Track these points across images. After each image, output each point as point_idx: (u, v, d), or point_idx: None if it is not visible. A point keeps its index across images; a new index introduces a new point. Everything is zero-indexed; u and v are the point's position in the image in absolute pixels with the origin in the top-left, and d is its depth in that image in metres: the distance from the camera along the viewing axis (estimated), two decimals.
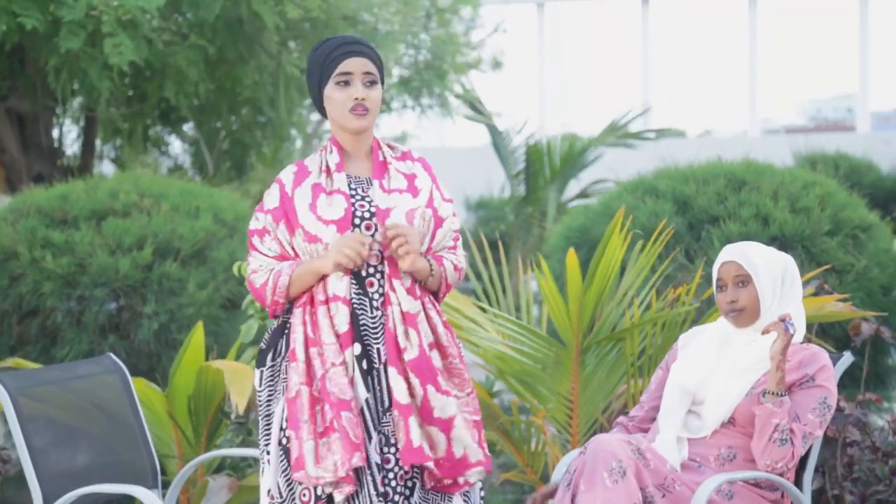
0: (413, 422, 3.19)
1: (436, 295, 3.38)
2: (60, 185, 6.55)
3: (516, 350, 4.61)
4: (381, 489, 3.18)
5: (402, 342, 3.22)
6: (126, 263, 5.79)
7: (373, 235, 3.26)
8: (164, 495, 4.15)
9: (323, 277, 3.24)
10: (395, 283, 3.23)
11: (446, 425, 3.23)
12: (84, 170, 10.32)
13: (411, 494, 3.25)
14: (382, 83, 3.36)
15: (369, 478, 3.18)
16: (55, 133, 10.91)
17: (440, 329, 3.30)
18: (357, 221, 3.25)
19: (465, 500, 3.34)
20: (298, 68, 10.02)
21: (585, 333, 4.48)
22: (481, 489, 3.43)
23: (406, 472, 3.24)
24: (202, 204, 6.23)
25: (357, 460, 3.12)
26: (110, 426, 4.08)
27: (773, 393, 3.48)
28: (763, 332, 3.53)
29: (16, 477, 5.15)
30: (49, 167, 10.15)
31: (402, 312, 3.22)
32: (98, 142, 11.99)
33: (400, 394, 3.20)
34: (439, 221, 3.35)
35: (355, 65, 3.29)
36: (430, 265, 3.30)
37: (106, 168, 13.14)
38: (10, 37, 8.19)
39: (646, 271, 4.59)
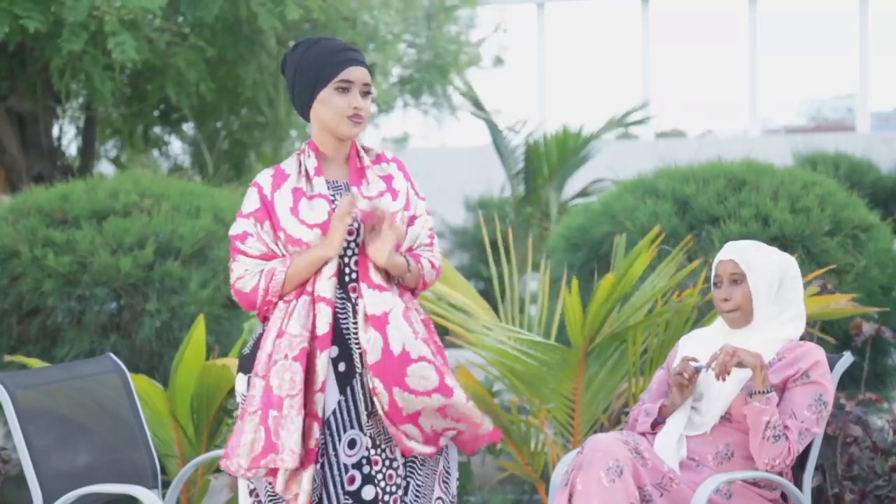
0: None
1: (413, 292, 3.38)
2: (61, 185, 6.55)
3: (521, 352, 4.61)
4: (349, 487, 3.19)
5: (363, 344, 3.22)
6: (127, 263, 5.80)
7: (356, 240, 3.28)
8: (164, 495, 4.15)
9: (321, 268, 3.24)
10: (363, 286, 3.23)
11: (412, 419, 3.22)
12: (84, 170, 10.32)
13: (405, 494, 3.27)
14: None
15: (332, 479, 3.19)
16: (55, 133, 10.91)
17: (418, 326, 3.29)
18: None
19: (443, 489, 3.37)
20: None
21: (594, 337, 4.48)
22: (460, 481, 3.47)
23: (399, 471, 3.26)
24: (202, 204, 6.23)
25: (267, 462, 3.14)
26: (110, 426, 4.08)
27: (759, 392, 3.49)
28: (719, 376, 3.53)
29: (16, 477, 5.15)
30: (49, 167, 10.15)
31: (365, 315, 3.22)
32: (97, 142, 11.99)
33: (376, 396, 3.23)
34: (411, 220, 3.36)
35: (357, 74, 3.30)
36: (408, 262, 3.30)
37: (106, 168, 13.14)
38: (13, 38, 8.19)
39: (664, 280, 4.59)
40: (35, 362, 5.02)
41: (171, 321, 5.79)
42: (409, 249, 3.35)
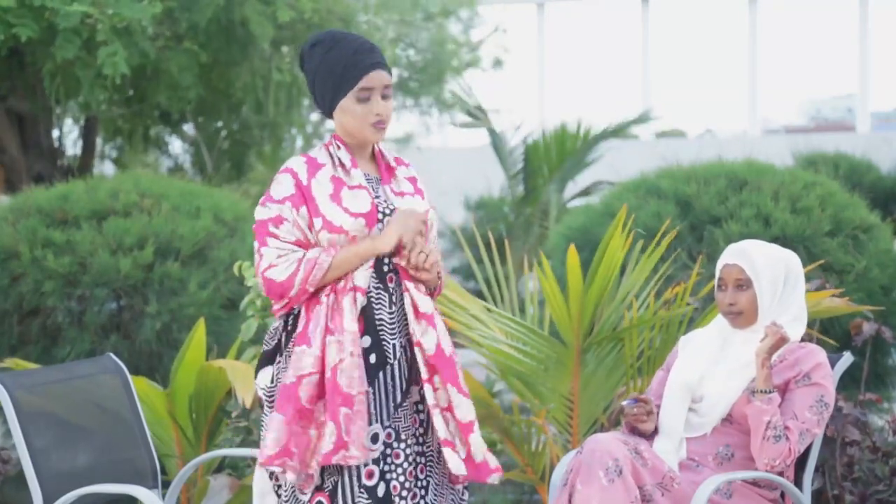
0: (438, 421, 3.22)
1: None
2: (61, 185, 6.54)
3: (518, 350, 4.61)
4: (366, 482, 3.16)
5: (418, 337, 3.22)
6: (127, 263, 5.79)
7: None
8: (164, 495, 4.15)
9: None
10: (409, 284, 3.23)
11: (466, 429, 3.23)
12: (84, 170, 10.32)
13: (426, 493, 3.26)
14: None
15: (349, 470, 3.16)
16: (55, 133, 10.90)
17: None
18: (380, 217, 3.24)
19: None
20: (291, 73, 9.99)
21: (586, 333, 4.47)
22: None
23: (420, 468, 3.25)
24: (202, 204, 6.22)
25: (339, 458, 3.10)
26: (110, 426, 4.08)
27: (761, 391, 3.48)
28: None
29: (16, 477, 5.15)
30: (49, 167, 10.15)
31: (416, 312, 3.22)
32: (98, 142, 11.98)
33: (427, 392, 3.23)
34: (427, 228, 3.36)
35: (377, 79, 3.23)
36: (437, 272, 3.31)
37: (106, 168, 13.14)
38: (5, 44, 8.20)
39: (647, 272, 4.59)
40: (31, 365, 5.00)
41: (171, 323, 5.79)
42: None
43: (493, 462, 3.28)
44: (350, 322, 3.15)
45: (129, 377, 4.20)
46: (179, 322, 5.79)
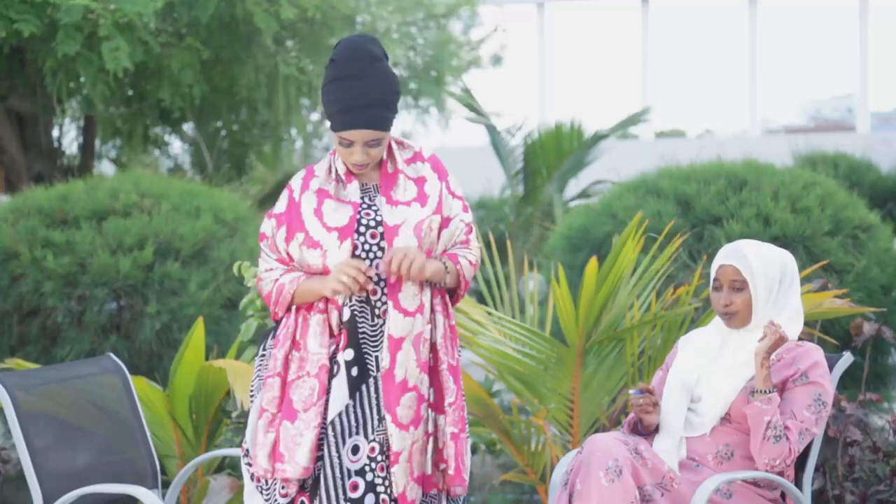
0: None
1: (452, 294, 3.33)
2: (61, 185, 6.54)
3: (518, 351, 4.60)
4: (351, 494, 3.15)
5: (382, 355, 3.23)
6: (127, 263, 5.79)
7: (374, 257, 3.22)
8: (164, 495, 4.15)
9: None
10: (389, 304, 3.19)
11: (395, 457, 3.19)
12: (84, 170, 10.33)
13: None
14: (394, 114, 3.25)
15: (332, 483, 3.16)
16: (55, 133, 10.91)
17: (440, 333, 3.27)
18: (362, 230, 3.21)
19: None
20: (296, 67, 9.98)
21: (589, 335, 4.47)
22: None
23: None
24: (202, 204, 6.23)
25: (280, 473, 3.16)
26: (110, 426, 4.08)
27: (761, 391, 3.48)
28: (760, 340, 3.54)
29: (16, 477, 5.15)
30: (49, 167, 10.16)
31: (388, 336, 3.19)
32: (98, 142, 11.99)
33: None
34: (445, 221, 3.29)
35: (356, 136, 3.19)
36: (445, 265, 3.25)
37: (106, 168, 13.15)
38: (8, 41, 8.20)
39: (650, 274, 4.58)
40: (31, 365, 5.00)
41: (171, 323, 5.79)
42: (444, 252, 3.29)
43: (411, 495, 3.22)
44: (315, 344, 3.19)
45: (129, 377, 4.20)
46: (179, 322, 5.79)
